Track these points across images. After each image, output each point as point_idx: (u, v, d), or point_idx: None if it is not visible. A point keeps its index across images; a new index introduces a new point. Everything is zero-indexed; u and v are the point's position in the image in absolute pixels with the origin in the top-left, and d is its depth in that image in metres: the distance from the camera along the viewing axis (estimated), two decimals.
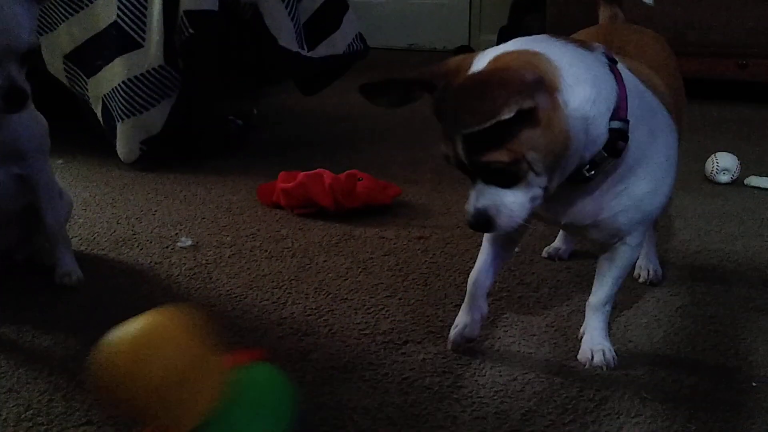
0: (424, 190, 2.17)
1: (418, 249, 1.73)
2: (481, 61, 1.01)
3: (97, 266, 1.62)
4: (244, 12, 2.45)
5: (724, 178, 2.22)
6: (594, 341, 1.24)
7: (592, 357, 1.22)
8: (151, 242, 1.78)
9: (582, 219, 1.13)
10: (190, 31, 2.22)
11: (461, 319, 1.27)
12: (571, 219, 1.14)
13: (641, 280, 1.55)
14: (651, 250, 1.58)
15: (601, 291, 1.23)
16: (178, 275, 1.60)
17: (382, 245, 1.76)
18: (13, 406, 1.11)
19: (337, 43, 2.73)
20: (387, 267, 1.64)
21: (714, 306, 1.45)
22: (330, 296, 1.49)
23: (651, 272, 1.56)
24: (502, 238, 1.24)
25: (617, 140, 1.03)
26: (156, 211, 2.00)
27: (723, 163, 2.21)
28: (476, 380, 1.19)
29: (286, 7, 2.50)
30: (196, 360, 0.81)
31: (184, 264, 1.65)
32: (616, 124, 1.02)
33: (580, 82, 0.99)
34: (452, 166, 1.04)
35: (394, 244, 1.76)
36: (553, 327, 1.36)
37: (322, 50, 2.69)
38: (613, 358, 1.22)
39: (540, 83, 0.95)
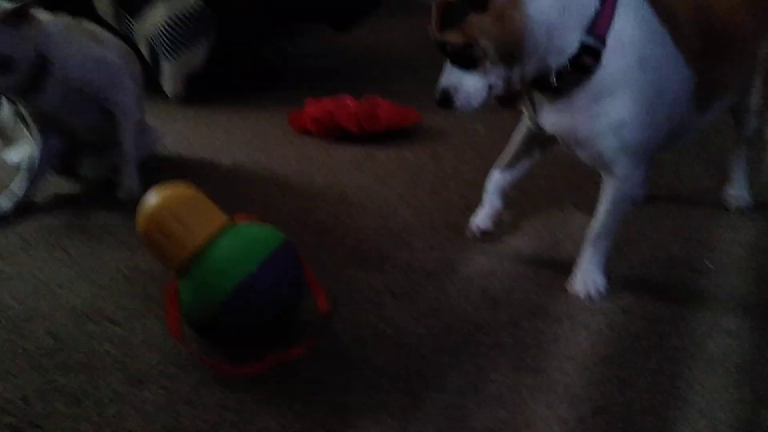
0: (442, 117, 2.33)
1: (432, 166, 1.92)
2: None
3: (148, 183, 1.85)
4: None
5: None
6: (583, 273, 1.28)
7: (579, 287, 1.27)
8: (194, 163, 2.01)
9: (563, 133, 1.17)
10: None
11: (479, 211, 1.41)
12: (554, 130, 1.19)
13: (732, 208, 1.58)
14: (740, 175, 1.58)
15: (594, 222, 1.26)
16: (218, 189, 1.81)
17: (399, 163, 1.95)
18: (86, 287, 1.36)
19: None
20: (402, 180, 1.83)
21: None
22: (349, 204, 1.70)
23: (740, 199, 1.58)
24: (526, 138, 1.32)
25: (585, 56, 1.07)
26: (198, 138, 2.23)
27: None
28: (468, 265, 1.40)
29: None
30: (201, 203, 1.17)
31: (224, 180, 1.88)
32: (587, 39, 1.07)
33: None
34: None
35: (412, 162, 1.95)
36: (545, 227, 1.55)
37: None
38: (598, 293, 1.26)
39: None
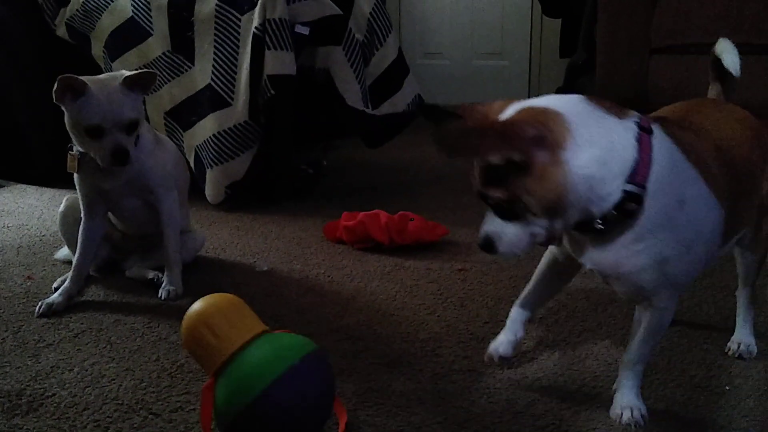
0: (469, 231, 2.44)
1: (459, 278, 2.01)
2: (510, 110, 1.11)
3: (190, 284, 1.97)
4: (318, 76, 2.84)
5: None
6: (624, 399, 1.29)
7: (622, 414, 1.28)
8: (234, 267, 2.12)
9: (603, 268, 1.19)
10: (272, 92, 2.61)
11: (500, 337, 1.46)
12: (593, 265, 1.20)
13: (729, 352, 1.52)
14: (746, 322, 1.53)
15: (630, 351, 1.29)
16: (255, 293, 1.92)
17: (427, 275, 2.04)
18: (131, 380, 1.44)
19: (397, 103, 3.08)
20: (430, 292, 1.92)
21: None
22: (380, 312, 1.79)
23: (742, 345, 1.51)
24: (552, 269, 1.38)
25: (629, 202, 1.09)
26: (238, 243, 2.35)
27: None
28: (494, 376, 1.45)
29: (354, 72, 2.88)
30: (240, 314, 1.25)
31: (261, 284, 1.98)
32: (629, 187, 1.09)
33: (591, 143, 1.06)
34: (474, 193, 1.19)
35: (438, 274, 2.05)
36: (565, 341, 1.61)
37: (385, 109, 3.05)
38: (642, 417, 1.27)
39: (540, 140, 1.04)
